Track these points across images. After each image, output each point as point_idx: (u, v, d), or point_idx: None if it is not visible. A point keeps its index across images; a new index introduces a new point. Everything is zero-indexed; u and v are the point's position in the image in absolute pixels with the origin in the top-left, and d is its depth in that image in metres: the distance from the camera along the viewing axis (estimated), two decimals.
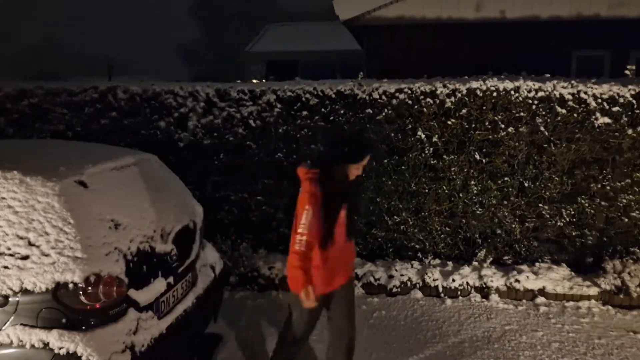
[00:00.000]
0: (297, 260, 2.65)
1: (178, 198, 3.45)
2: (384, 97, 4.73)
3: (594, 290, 4.48)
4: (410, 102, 4.70)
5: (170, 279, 3.02)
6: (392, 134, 4.74)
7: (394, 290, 4.61)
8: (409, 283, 4.64)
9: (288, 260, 2.75)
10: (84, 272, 2.43)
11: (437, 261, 4.93)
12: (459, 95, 4.63)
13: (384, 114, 4.73)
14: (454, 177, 4.79)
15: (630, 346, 3.79)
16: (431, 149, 4.75)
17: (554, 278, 4.60)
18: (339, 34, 13.36)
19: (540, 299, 4.49)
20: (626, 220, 4.69)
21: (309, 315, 2.88)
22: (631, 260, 4.58)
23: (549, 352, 3.71)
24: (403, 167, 4.81)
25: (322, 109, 4.79)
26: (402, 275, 4.68)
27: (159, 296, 2.89)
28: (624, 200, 4.64)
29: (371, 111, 4.74)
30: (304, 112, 4.82)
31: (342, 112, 4.76)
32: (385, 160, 4.79)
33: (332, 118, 4.78)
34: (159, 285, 2.91)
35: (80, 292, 2.45)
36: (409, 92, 4.69)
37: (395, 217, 4.92)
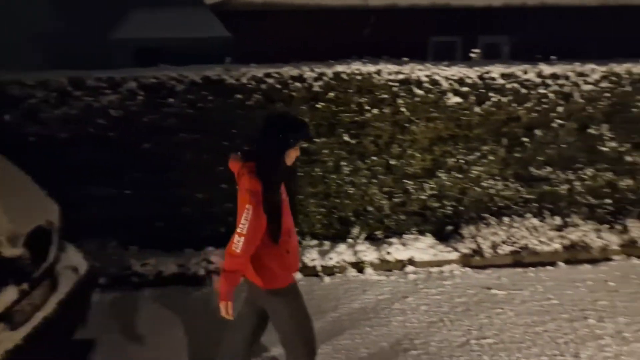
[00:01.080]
0: (230, 264, 2.45)
1: (28, 197, 3.13)
2: (252, 82, 4.70)
3: (454, 255, 4.92)
4: (279, 86, 4.72)
5: (25, 286, 2.74)
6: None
7: None
8: None
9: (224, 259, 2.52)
10: None
11: (315, 242, 5.07)
12: (326, 79, 4.75)
13: (253, 99, 4.71)
14: (326, 159, 4.93)
15: (486, 301, 4.23)
16: None
17: (420, 247, 4.97)
18: (209, 20, 13.00)
19: (410, 268, 4.82)
20: (478, 189, 5.20)
21: (298, 305, 2.72)
22: (483, 225, 5.11)
23: (417, 315, 4.01)
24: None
25: (189, 96, 4.63)
26: None
27: (11, 305, 2.61)
28: (475, 172, 5.14)
29: (241, 96, 4.69)
30: (170, 100, 4.63)
31: (210, 98, 4.65)
32: (253, 147, 4.78)
33: (200, 105, 4.65)
34: (10, 293, 2.63)
35: None
36: (278, 76, 4.72)
37: None
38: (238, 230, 2.41)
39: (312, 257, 4.75)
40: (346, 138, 4.89)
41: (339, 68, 4.78)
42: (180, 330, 3.83)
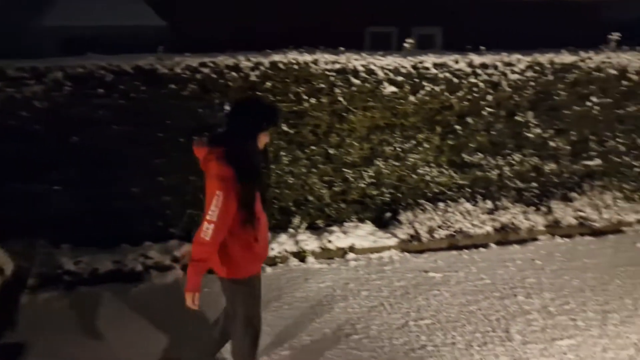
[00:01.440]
0: (199, 253, 2.40)
1: None
2: (187, 71, 4.58)
3: (393, 241, 5.05)
4: (215, 76, 4.63)
5: None
6: (200, 110, 4.65)
7: None
8: None
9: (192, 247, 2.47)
10: None
11: None
12: (263, 68, 4.70)
13: (189, 89, 4.59)
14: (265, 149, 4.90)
15: (423, 284, 4.39)
16: None
17: (361, 234, 5.07)
18: (141, 8, 12.55)
19: (350, 255, 4.90)
20: (415, 177, 5.35)
21: (254, 299, 2.72)
22: (420, 210, 5.27)
23: (358, 300, 4.10)
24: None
25: (121, 86, 4.46)
26: None
27: None
28: (412, 160, 5.29)
29: (175, 86, 4.56)
30: (100, 90, 4.43)
31: (143, 88, 4.49)
32: (195, 138, 4.68)
33: (132, 95, 4.49)
34: None
35: None
36: (213, 66, 4.62)
37: None
38: (207, 217, 2.36)
39: None
40: (285, 128, 4.89)
41: (276, 57, 4.75)
42: (119, 329, 3.70)
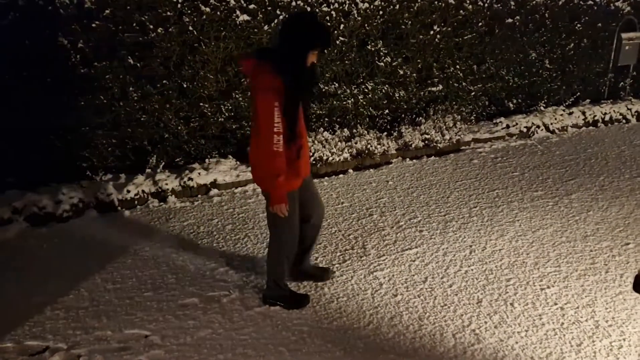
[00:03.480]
0: (279, 164, 2.52)
1: None
2: None
3: None
4: (40, 2, 4.07)
5: None
6: (27, 42, 4.08)
7: (65, 215, 4.25)
8: (81, 204, 4.34)
9: (264, 164, 2.57)
10: None
11: (109, 176, 4.73)
12: None
13: (9, 17, 3.99)
14: (111, 85, 4.52)
15: None
16: (78, 56, 4.31)
17: (223, 170, 5.00)
18: None
19: (213, 191, 4.85)
20: None
21: (294, 207, 2.84)
22: None
23: (224, 234, 4.10)
24: (48, 79, 4.25)
25: None
26: (71, 197, 4.33)
27: None
28: None
29: None
30: None
31: None
32: (25, 73, 4.14)
33: None
34: None
35: None
36: None
37: (50, 136, 4.41)
38: (275, 129, 2.45)
39: (107, 192, 4.44)
40: (131, 61, 4.51)
41: None
42: None
